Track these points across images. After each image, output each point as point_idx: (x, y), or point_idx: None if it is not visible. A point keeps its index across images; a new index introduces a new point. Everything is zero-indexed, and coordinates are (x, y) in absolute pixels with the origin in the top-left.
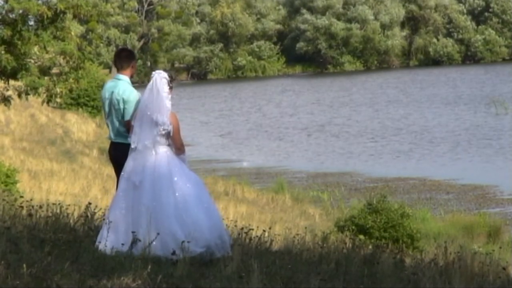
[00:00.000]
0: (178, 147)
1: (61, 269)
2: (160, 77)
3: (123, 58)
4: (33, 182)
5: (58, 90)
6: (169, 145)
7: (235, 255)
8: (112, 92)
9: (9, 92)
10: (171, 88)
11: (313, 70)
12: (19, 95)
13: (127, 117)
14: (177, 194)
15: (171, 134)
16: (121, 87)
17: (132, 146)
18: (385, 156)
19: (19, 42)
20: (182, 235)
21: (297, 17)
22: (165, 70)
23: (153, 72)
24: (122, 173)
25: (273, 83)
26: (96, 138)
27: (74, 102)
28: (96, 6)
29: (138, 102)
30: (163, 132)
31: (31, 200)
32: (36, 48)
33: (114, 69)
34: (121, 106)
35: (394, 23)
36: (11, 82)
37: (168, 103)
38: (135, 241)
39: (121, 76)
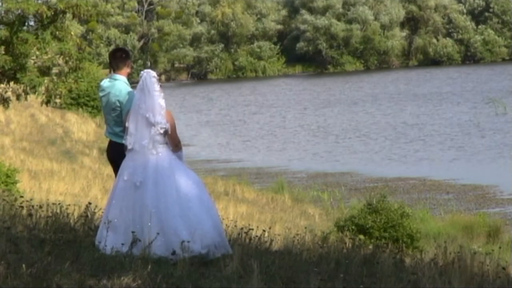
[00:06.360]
0: (175, 144)
1: (61, 269)
2: (149, 76)
3: (118, 58)
4: (33, 182)
5: (58, 90)
6: (166, 143)
7: (235, 255)
8: (109, 93)
9: (9, 93)
10: (160, 86)
11: (313, 70)
12: (18, 97)
13: (124, 118)
14: (180, 193)
15: (169, 132)
16: (117, 87)
17: (129, 147)
18: (385, 156)
19: (18, 43)
20: (186, 234)
21: (297, 17)
22: (152, 69)
23: (142, 72)
24: (119, 173)
25: (273, 83)
26: (96, 138)
27: (74, 102)
28: (96, 6)
29: (130, 102)
30: (161, 131)
31: (31, 200)
32: (35, 49)
33: None
34: (118, 107)
35: (394, 24)
36: (11, 84)
37: (162, 101)
38: (135, 241)
39: (117, 76)
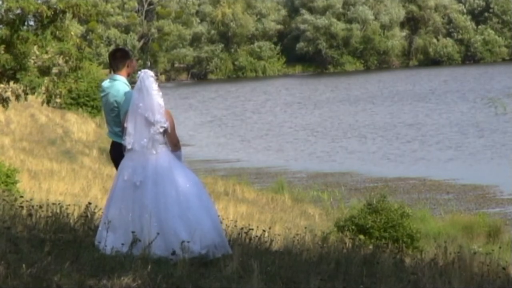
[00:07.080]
0: (174, 143)
1: (61, 269)
2: (147, 76)
3: (118, 59)
4: (33, 182)
5: (58, 90)
6: (165, 143)
7: (235, 255)
8: (108, 93)
9: (8, 93)
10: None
11: (313, 70)
12: (17, 97)
13: (122, 118)
14: (179, 193)
15: (168, 131)
16: (116, 87)
17: (128, 147)
18: (385, 156)
19: (18, 42)
20: (186, 235)
21: (297, 17)
22: (152, 69)
23: (139, 72)
24: (118, 173)
25: (273, 83)
26: (96, 138)
27: (74, 102)
28: (96, 6)
29: (128, 102)
30: (161, 130)
31: (31, 200)
32: (35, 48)
33: None
34: (116, 107)
35: (394, 24)
36: (10, 84)
37: (160, 101)
38: (135, 241)
39: (117, 76)
